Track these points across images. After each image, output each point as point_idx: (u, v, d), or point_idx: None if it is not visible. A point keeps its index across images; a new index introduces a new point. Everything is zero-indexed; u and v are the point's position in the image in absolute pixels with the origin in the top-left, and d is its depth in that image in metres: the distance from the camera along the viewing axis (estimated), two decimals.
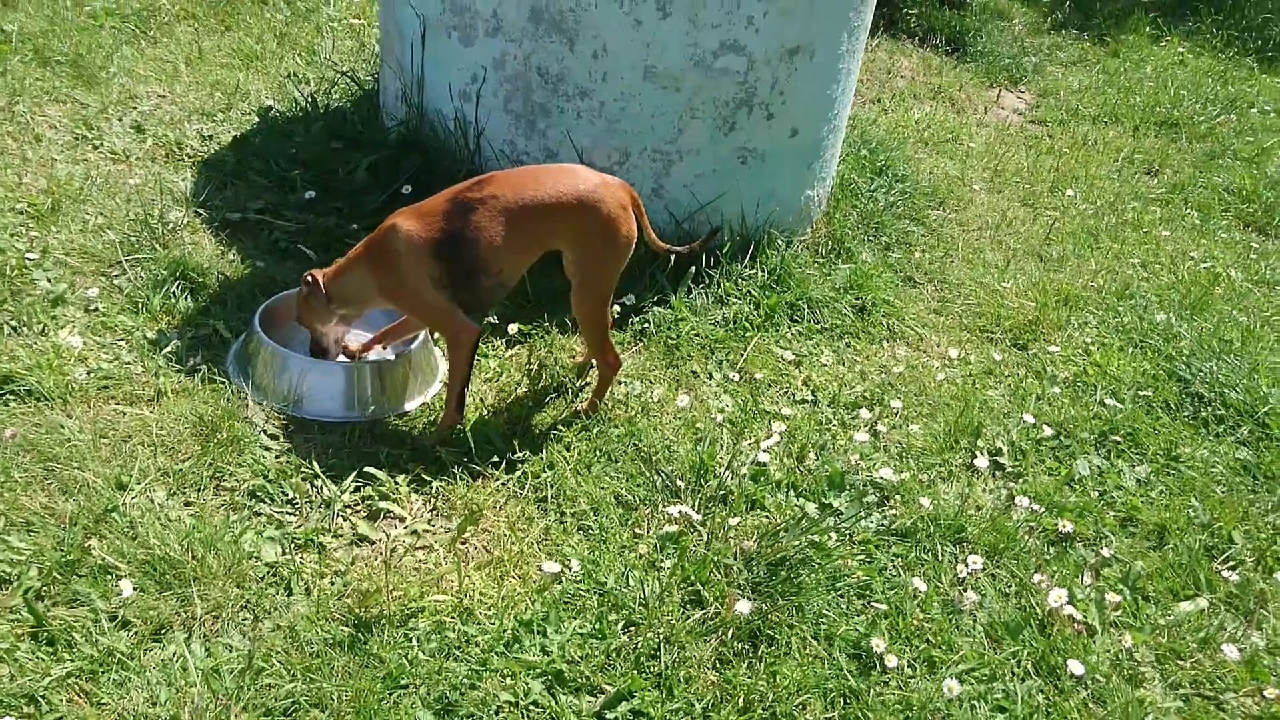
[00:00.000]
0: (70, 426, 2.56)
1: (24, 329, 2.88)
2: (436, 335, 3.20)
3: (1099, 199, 5.30)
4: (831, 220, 4.29)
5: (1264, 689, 2.40)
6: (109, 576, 2.19)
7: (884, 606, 2.41)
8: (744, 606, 2.28)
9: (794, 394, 3.34)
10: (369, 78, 4.75)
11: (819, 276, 3.94)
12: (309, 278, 2.72)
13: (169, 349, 2.90)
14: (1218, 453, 3.26)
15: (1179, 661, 2.47)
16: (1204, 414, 3.45)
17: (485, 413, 2.89)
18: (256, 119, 4.41)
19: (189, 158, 4.05)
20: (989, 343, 3.83)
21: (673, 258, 3.57)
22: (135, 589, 2.17)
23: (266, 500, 2.50)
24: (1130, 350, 3.82)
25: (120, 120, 4.23)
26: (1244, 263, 4.77)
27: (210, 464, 2.55)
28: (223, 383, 2.83)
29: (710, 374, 3.37)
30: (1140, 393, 3.53)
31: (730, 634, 2.29)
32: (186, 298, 3.14)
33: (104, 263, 3.26)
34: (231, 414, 2.69)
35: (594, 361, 3.07)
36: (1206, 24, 9.21)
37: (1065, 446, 3.23)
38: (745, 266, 3.85)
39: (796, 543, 2.48)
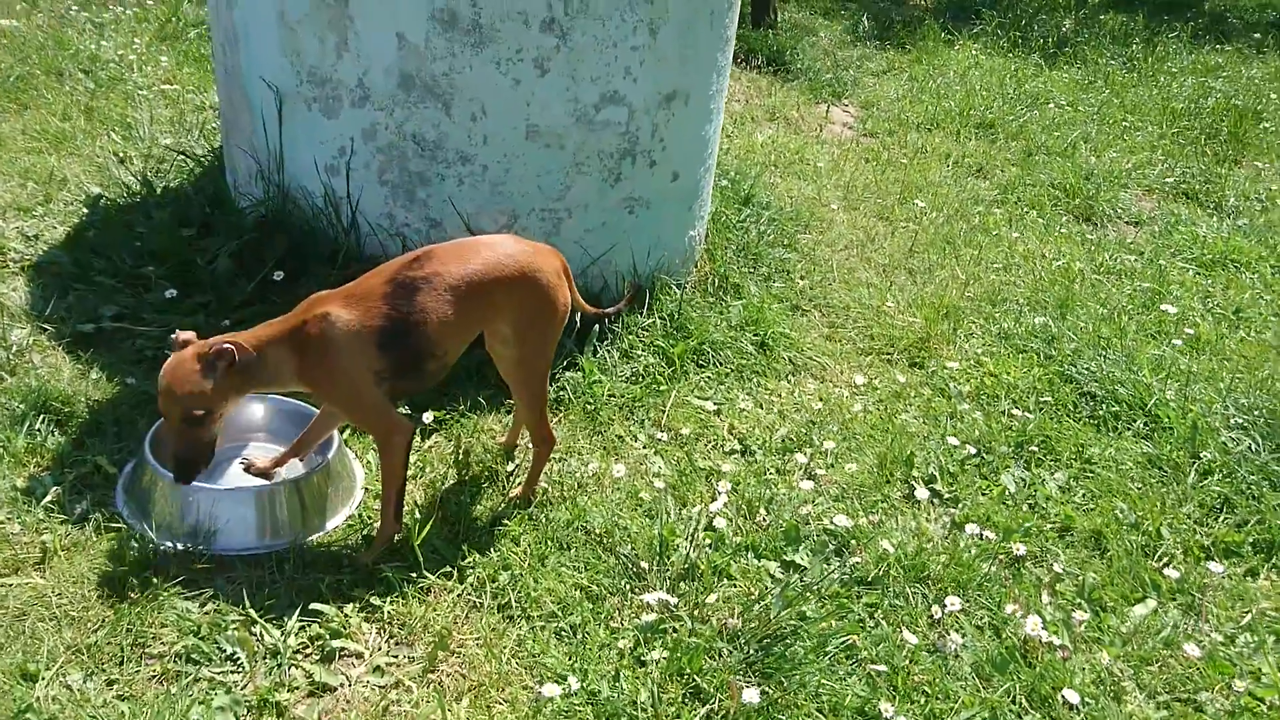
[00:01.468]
0: None
1: None
2: (346, 433, 2.96)
3: (945, 207, 5.53)
4: (714, 258, 4.28)
5: (1231, 681, 2.51)
6: None
7: (884, 667, 2.37)
8: (752, 695, 2.19)
9: (723, 445, 3.28)
10: (205, 154, 4.38)
11: (715, 318, 3.90)
12: (243, 345, 2.29)
13: (48, 498, 2.53)
14: (1123, 449, 3.42)
15: (1149, 668, 2.55)
16: (1100, 412, 3.62)
17: (420, 515, 2.67)
18: (85, 210, 3.97)
19: (15, 263, 3.60)
20: (888, 365, 3.90)
21: (578, 318, 3.44)
22: None
23: (203, 661, 2.21)
24: (1018, 357, 3.97)
25: None
26: (1088, 255, 5.09)
27: (128, 629, 2.23)
28: (119, 528, 2.50)
29: (635, 435, 3.26)
30: (1040, 399, 3.67)
31: None
32: (55, 433, 2.76)
33: None
34: (140, 564, 2.37)
35: (528, 441, 2.90)
36: (991, 27, 9.87)
37: (988, 462, 3.31)
38: (644, 317, 3.77)
39: (786, 613, 2.41)
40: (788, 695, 2.26)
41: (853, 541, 2.85)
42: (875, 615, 2.59)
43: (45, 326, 3.23)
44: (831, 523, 2.88)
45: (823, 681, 2.32)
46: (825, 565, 2.72)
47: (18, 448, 2.67)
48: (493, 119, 3.34)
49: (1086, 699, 2.40)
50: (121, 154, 4.56)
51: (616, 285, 3.77)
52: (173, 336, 2.35)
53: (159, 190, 4.04)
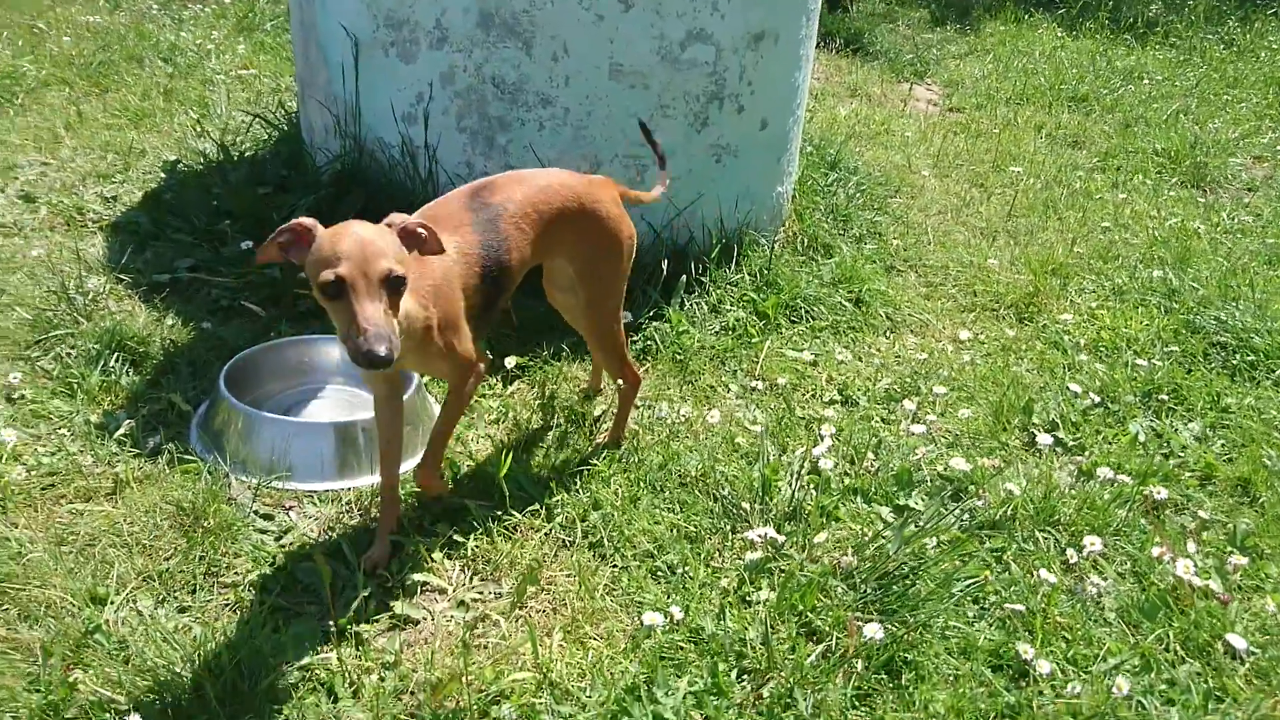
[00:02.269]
0: (18, 537, 2.08)
1: None
2: (424, 376, 2.81)
3: (1042, 174, 5.24)
4: (803, 218, 4.07)
5: None
6: (107, 714, 1.73)
7: (1021, 607, 2.13)
8: (875, 630, 1.96)
9: (822, 395, 3.06)
10: (281, 121, 4.32)
11: (807, 275, 3.70)
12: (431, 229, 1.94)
13: (121, 431, 2.43)
14: (1263, 399, 3.12)
15: None
16: (1235, 362, 3.32)
17: (506, 456, 2.50)
18: (163, 175, 3.93)
19: (93, 223, 3.56)
20: (994, 320, 3.64)
21: (664, 265, 3.27)
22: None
23: (278, 591, 2.06)
24: (1137, 310, 3.68)
25: (3, 191, 3.71)
26: (1203, 215, 4.76)
27: (201, 558, 2.10)
28: (193, 462, 2.38)
29: (727, 386, 3.06)
30: (1166, 349, 3.38)
31: (865, 665, 1.97)
32: (129, 371, 2.67)
33: (18, 344, 2.76)
34: (214, 496, 2.24)
35: (613, 384, 2.72)
36: (1074, 10, 9.51)
37: (1113, 411, 3.04)
38: (732, 271, 3.58)
39: (908, 549, 2.18)
40: (913, 633, 2.03)
41: (971, 486, 2.60)
42: (1003, 558, 2.34)
43: (121, 277, 3.16)
44: (947, 467, 2.64)
45: (950, 622, 2.09)
46: (943, 509, 2.48)
47: (92, 384, 2.58)
48: (575, 58, 3.19)
49: (1254, 647, 2.12)
50: (199, 128, 4.54)
51: (704, 239, 3.59)
52: (295, 222, 1.82)
53: (235, 157, 3.99)
